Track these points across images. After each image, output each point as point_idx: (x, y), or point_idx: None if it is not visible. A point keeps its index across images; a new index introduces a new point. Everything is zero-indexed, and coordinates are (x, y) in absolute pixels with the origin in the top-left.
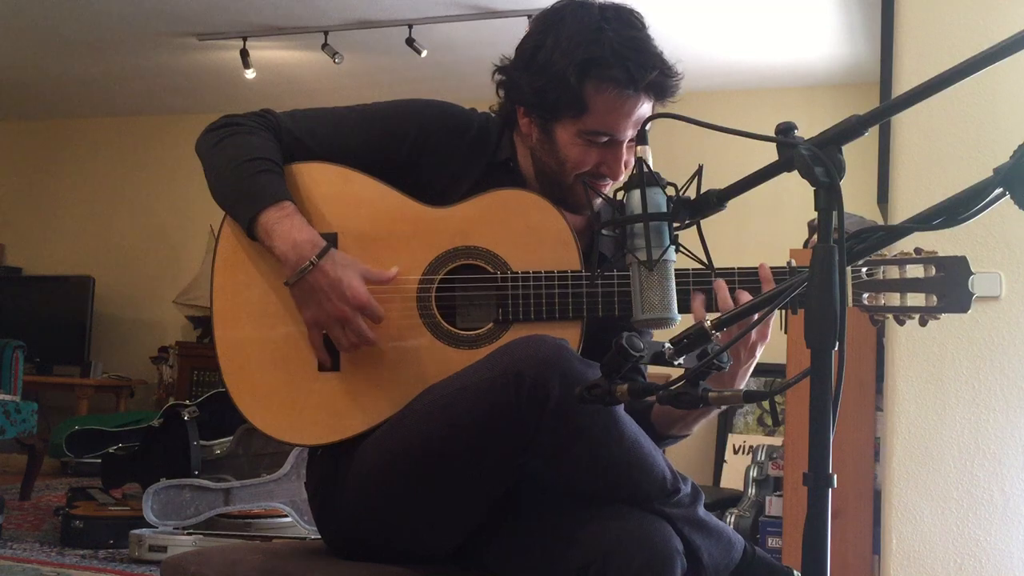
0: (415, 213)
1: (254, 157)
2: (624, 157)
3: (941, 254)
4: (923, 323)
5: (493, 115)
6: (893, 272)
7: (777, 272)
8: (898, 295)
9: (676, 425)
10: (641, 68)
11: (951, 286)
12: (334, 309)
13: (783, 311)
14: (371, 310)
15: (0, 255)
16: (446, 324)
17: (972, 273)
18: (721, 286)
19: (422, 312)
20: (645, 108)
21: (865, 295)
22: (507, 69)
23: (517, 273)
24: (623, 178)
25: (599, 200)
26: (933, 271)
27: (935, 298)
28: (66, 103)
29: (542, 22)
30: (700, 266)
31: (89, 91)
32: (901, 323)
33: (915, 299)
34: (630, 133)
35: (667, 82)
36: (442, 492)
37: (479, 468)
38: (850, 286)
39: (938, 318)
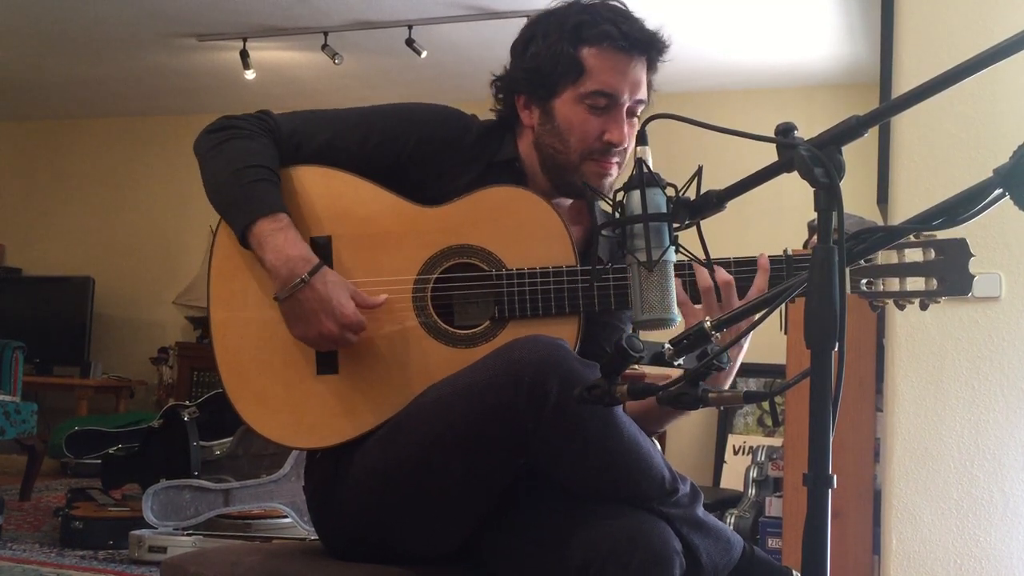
0: (409, 213)
1: (252, 164)
2: (625, 124)
3: (940, 237)
4: (924, 307)
5: (491, 122)
6: (892, 257)
7: (773, 260)
8: (897, 280)
9: (650, 424)
10: (629, 26)
11: (951, 269)
12: (323, 328)
13: (782, 310)
14: (359, 328)
15: (0, 255)
16: (443, 323)
17: (972, 255)
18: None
19: (418, 312)
20: (639, 71)
21: (864, 281)
22: (501, 74)
23: (512, 270)
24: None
25: (608, 178)
26: (932, 254)
27: (935, 281)
28: (66, 103)
29: (531, 22)
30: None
31: (89, 91)
32: (901, 308)
33: (915, 283)
34: (627, 97)
35: (655, 37)
36: (442, 493)
37: (479, 468)
38: (848, 272)
39: (939, 302)
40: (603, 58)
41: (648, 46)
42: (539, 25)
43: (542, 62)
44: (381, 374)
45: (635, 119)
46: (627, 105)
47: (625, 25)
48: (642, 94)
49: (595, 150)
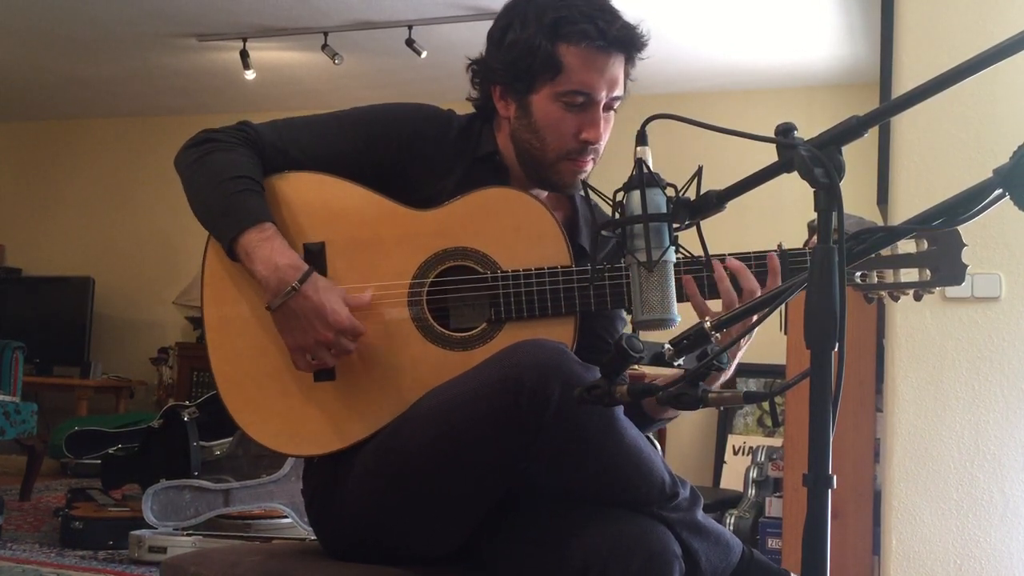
0: (402, 217)
1: (235, 176)
2: (601, 122)
3: None
4: (918, 298)
5: (470, 115)
6: (885, 248)
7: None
8: (891, 271)
9: (666, 409)
10: (608, 23)
11: (944, 259)
12: (318, 334)
13: (782, 310)
14: (354, 332)
15: (0, 255)
16: (439, 327)
17: (964, 244)
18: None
19: (414, 316)
20: (617, 69)
21: (858, 273)
22: (479, 59)
23: (507, 272)
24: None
25: (583, 175)
26: (925, 245)
27: (929, 272)
28: (66, 103)
29: (509, 6)
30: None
31: (89, 91)
32: (896, 299)
33: (908, 275)
34: (604, 94)
35: (634, 34)
36: (442, 496)
37: (479, 472)
38: None
39: (932, 292)
40: (581, 57)
41: (627, 44)
42: (516, 12)
43: (519, 55)
44: (379, 379)
45: (611, 113)
46: (603, 102)
47: (603, 22)
48: (619, 90)
49: (572, 149)
